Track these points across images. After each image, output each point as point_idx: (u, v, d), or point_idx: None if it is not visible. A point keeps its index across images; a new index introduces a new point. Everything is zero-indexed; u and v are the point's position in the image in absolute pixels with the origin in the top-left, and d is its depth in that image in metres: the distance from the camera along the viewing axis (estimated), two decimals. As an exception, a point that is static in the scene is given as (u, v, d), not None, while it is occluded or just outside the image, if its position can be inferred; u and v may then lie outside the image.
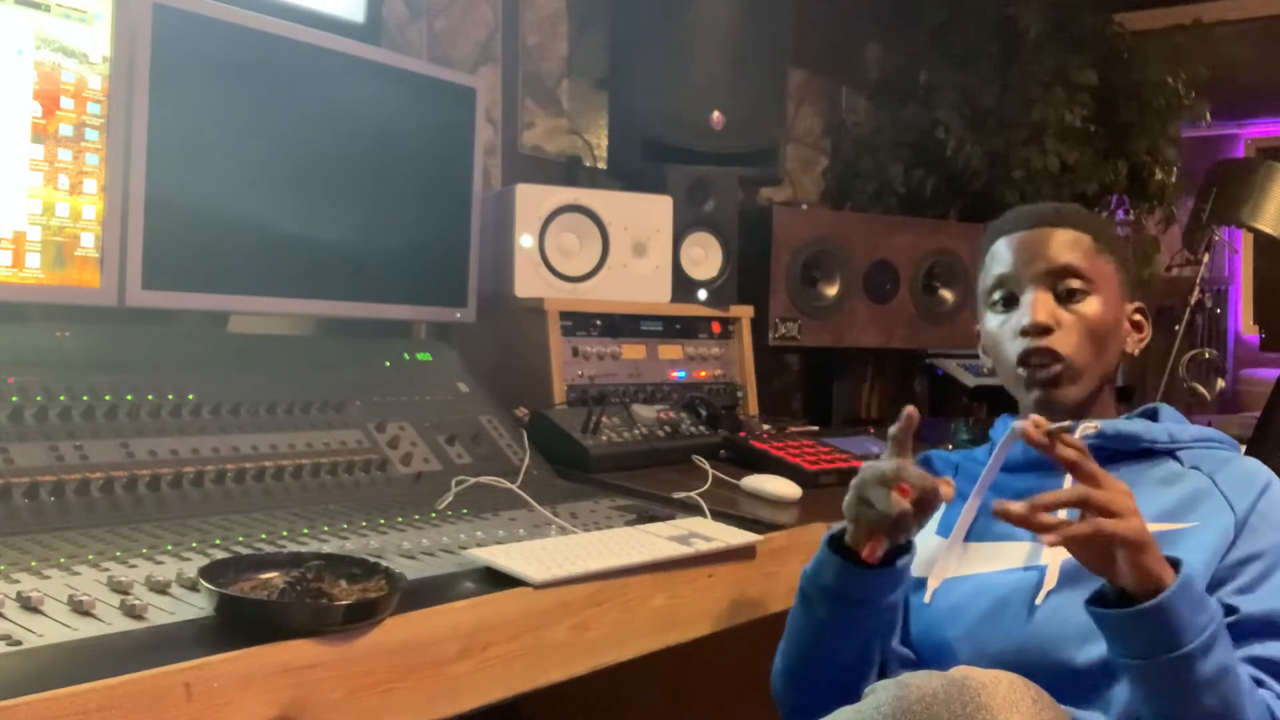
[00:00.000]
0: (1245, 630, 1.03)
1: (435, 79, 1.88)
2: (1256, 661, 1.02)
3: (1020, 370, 1.20)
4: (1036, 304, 1.19)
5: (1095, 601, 0.99)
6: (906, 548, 1.14)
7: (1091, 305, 1.19)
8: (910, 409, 1.10)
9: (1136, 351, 1.25)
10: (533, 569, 1.14)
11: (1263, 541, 1.08)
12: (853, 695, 1.14)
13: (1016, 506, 0.96)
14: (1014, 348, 1.20)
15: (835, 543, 1.14)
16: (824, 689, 1.17)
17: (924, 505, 1.07)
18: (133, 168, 1.46)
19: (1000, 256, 1.24)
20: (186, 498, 1.29)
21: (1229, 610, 1.03)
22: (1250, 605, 1.04)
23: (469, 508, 1.42)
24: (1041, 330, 1.18)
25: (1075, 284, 1.19)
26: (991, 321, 1.24)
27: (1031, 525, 0.96)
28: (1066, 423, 1.03)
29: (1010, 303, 1.23)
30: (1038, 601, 1.11)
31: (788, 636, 1.21)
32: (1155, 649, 0.95)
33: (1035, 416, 1.03)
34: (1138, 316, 1.26)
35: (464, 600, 1.07)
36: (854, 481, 1.10)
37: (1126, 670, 0.99)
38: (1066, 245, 1.20)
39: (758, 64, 2.54)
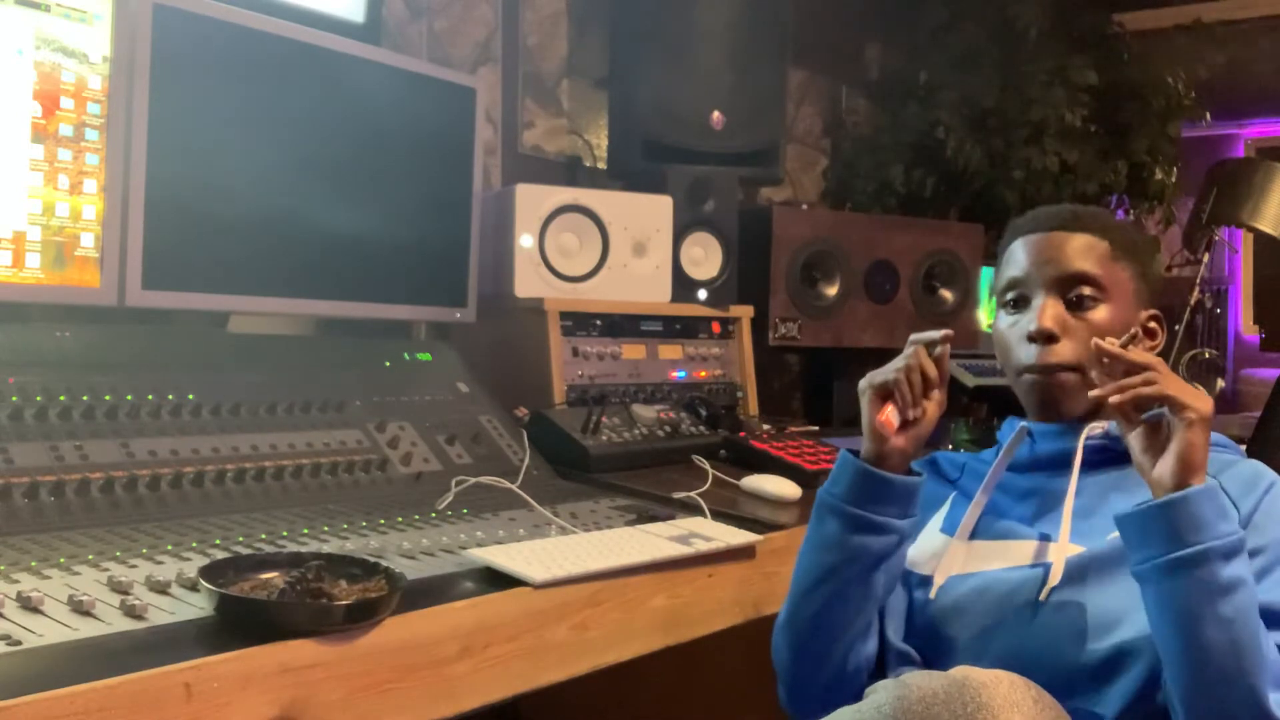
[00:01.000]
0: None
1: (435, 79, 1.88)
2: None
3: (1024, 375, 1.20)
4: (1044, 311, 1.19)
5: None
6: (918, 473, 1.17)
7: (1101, 313, 1.19)
8: (948, 331, 1.17)
9: None
10: (533, 569, 1.14)
11: (1265, 537, 1.08)
12: (848, 658, 1.15)
13: (1106, 344, 1.06)
14: (1020, 352, 1.21)
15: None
16: (822, 641, 1.16)
17: (928, 380, 1.15)
18: (133, 168, 1.46)
19: (1015, 258, 1.24)
20: (186, 498, 1.29)
21: None
22: None
23: (469, 508, 1.42)
24: (1047, 337, 1.18)
25: (1086, 291, 1.19)
26: (1002, 321, 1.25)
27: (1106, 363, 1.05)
28: (1135, 330, 1.14)
29: (1021, 304, 1.23)
30: (1041, 598, 1.11)
31: (794, 577, 1.20)
32: (1175, 543, 0.98)
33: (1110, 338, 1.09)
34: (1152, 324, 1.25)
35: (464, 600, 1.07)
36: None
37: (1146, 579, 1.01)
38: (1081, 251, 1.20)
39: (758, 64, 2.54)
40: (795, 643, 1.19)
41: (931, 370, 1.15)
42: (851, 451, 1.17)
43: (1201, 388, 1.05)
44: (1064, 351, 1.17)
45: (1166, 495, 0.99)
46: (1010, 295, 1.24)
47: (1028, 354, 1.19)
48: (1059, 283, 1.20)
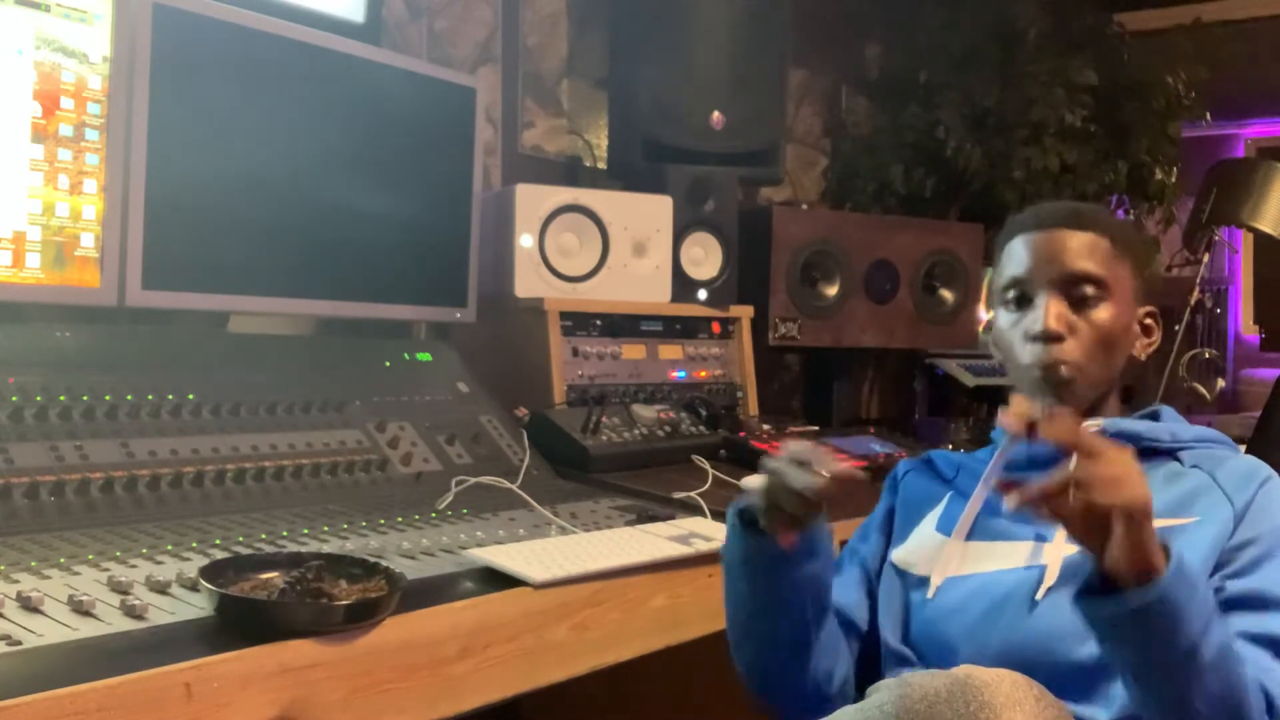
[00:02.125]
0: (1230, 605, 1.03)
1: (435, 79, 1.88)
2: (1241, 636, 1.02)
3: (1030, 374, 1.20)
4: (1049, 310, 1.18)
5: (1084, 594, 0.95)
6: (819, 517, 1.11)
7: (1104, 312, 1.18)
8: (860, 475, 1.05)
9: (1144, 356, 1.24)
10: (533, 569, 1.14)
11: (1258, 529, 1.08)
12: (805, 646, 1.15)
13: (1011, 501, 0.92)
14: (1024, 351, 1.20)
15: (745, 516, 1.12)
16: (777, 645, 1.16)
17: (841, 488, 1.02)
18: (133, 168, 1.46)
19: (1016, 256, 1.23)
20: (186, 498, 1.29)
21: (1215, 591, 1.04)
22: (1238, 586, 1.05)
23: (469, 508, 1.42)
24: (1053, 337, 1.17)
25: (1090, 290, 1.18)
26: (1003, 320, 1.24)
27: (1028, 507, 0.92)
28: (1062, 409, 1.03)
29: (1023, 302, 1.22)
30: (1038, 598, 1.11)
31: (725, 607, 1.19)
32: (1160, 650, 0.92)
33: (1015, 408, 0.96)
34: (1149, 321, 1.25)
35: (464, 600, 1.07)
36: (771, 465, 1.05)
37: (1125, 670, 0.98)
38: (1084, 250, 1.19)
39: (758, 64, 2.54)
40: (749, 655, 1.20)
41: (805, 482, 1.01)
42: (740, 510, 1.12)
43: (1135, 461, 0.91)
44: (1068, 350, 1.17)
45: (1137, 596, 0.90)
46: (1012, 293, 1.23)
47: (1031, 353, 1.19)
48: (1062, 282, 1.19)
